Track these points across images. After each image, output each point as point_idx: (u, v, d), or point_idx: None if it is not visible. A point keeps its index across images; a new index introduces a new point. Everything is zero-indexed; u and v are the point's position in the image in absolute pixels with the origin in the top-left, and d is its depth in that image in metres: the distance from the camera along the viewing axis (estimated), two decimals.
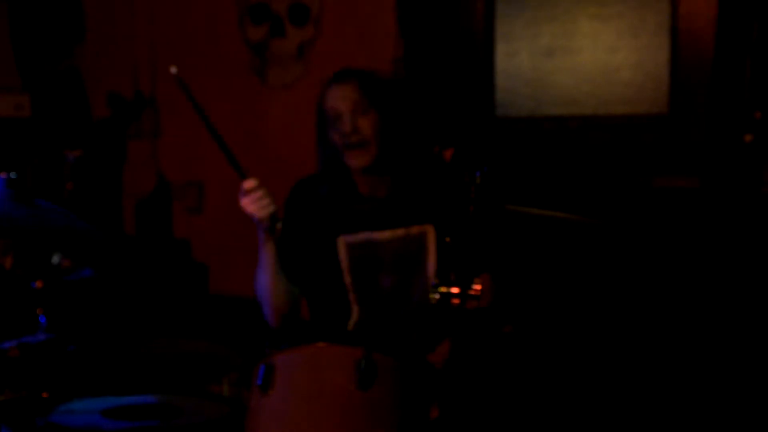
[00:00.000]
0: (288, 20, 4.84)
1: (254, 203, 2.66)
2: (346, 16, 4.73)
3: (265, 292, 2.83)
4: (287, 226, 2.83)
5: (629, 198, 4.18)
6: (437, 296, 2.49)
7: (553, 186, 4.27)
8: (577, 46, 4.33)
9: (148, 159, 5.13)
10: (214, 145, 2.62)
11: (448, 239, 2.60)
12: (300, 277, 2.88)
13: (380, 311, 2.83)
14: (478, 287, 2.49)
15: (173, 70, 2.59)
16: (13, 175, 2.60)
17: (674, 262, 4.03)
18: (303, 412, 2.37)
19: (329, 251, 2.84)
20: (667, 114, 4.22)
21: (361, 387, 2.36)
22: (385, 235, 2.83)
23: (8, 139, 4.70)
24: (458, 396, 2.77)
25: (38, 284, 2.84)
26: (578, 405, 3.84)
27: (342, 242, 2.83)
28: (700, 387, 3.83)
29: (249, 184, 2.66)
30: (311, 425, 2.36)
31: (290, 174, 2.98)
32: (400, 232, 2.83)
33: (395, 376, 2.41)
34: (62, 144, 4.82)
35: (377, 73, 2.88)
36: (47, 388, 2.75)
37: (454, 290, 2.49)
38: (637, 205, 4.15)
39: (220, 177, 4.98)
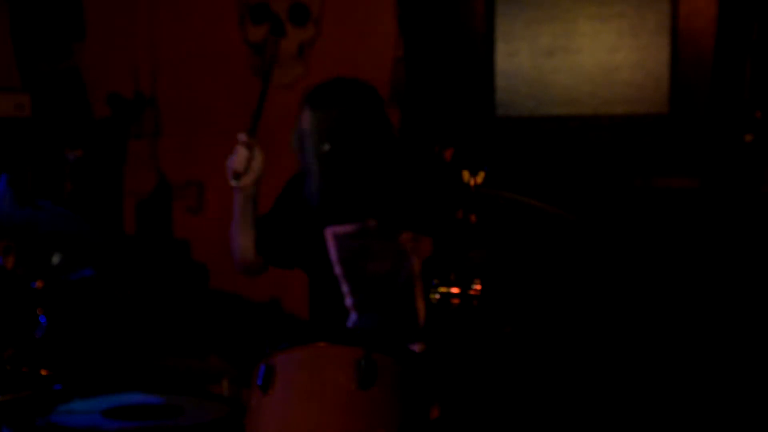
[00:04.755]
0: (288, 20, 4.84)
1: (235, 154, 2.96)
2: (346, 16, 4.73)
3: (232, 241, 2.97)
4: (280, 217, 2.89)
5: (629, 198, 4.18)
6: (437, 296, 2.49)
7: (553, 186, 4.27)
8: (577, 46, 4.33)
9: (148, 159, 5.13)
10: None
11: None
12: (293, 264, 2.95)
13: (371, 296, 2.82)
14: (478, 287, 2.50)
15: None
16: (11, 175, 2.60)
17: (674, 261, 4.03)
18: (303, 412, 2.37)
19: (318, 243, 2.85)
20: (667, 114, 4.22)
21: (361, 387, 2.36)
22: (371, 223, 2.83)
23: (8, 139, 4.69)
24: (458, 396, 2.77)
25: (38, 284, 2.84)
26: (578, 404, 3.84)
27: (330, 234, 2.84)
28: (700, 386, 3.83)
29: (242, 137, 2.98)
30: (311, 425, 2.36)
31: (290, 173, 3.00)
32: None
33: (395, 376, 2.41)
34: (62, 144, 4.81)
35: (359, 94, 2.89)
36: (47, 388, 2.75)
37: (454, 290, 2.49)
38: (637, 205, 4.15)
39: (220, 177, 4.95)
